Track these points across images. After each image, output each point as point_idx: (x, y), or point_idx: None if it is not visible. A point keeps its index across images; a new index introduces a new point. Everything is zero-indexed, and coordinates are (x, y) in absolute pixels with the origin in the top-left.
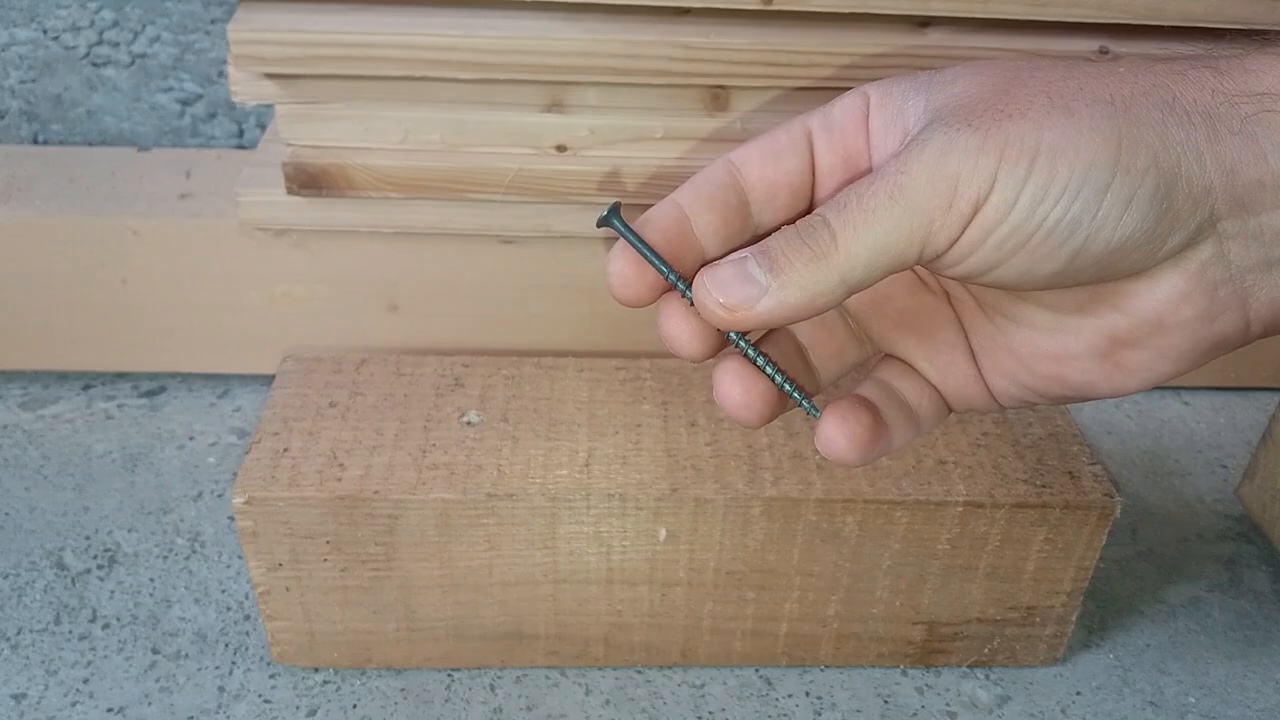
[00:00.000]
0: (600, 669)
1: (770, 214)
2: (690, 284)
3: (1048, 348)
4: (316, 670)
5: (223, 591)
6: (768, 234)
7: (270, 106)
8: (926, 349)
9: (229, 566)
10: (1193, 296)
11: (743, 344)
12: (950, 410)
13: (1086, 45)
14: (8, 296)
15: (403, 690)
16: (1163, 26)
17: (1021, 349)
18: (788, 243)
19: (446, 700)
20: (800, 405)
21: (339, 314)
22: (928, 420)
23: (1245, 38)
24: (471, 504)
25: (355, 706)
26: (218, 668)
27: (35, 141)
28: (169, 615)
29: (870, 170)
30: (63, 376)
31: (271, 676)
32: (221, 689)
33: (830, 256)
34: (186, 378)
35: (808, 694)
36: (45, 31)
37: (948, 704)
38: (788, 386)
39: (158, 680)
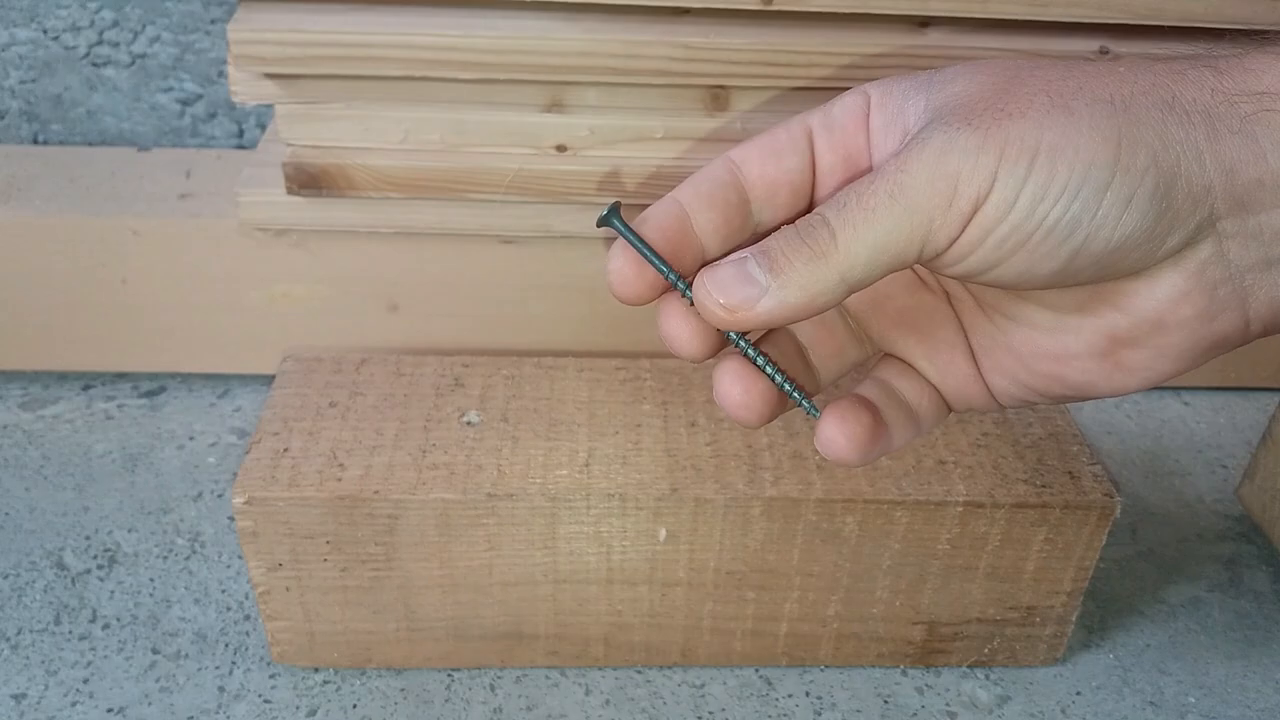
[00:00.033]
0: (600, 669)
1: (770, 213)
2: (690, 284)
3: (1047, 347)
4: (316, 670)
5: (223, 591)
6: (768, 233)
7: (270, 106)
8: (926, 348)
9: (229, 566)
10: (1192, 296)
11: (743, 344)
12: (950, 410)
13: (1086, 45)
14: (8, 296)
15: (403, 690)
16: (1163, 26)
17: (1021, 348)
18: (787, 242)
19: (446, 700)
20: (800, 405)
21: (339, 314)
22: (928, 420)
23: (1245, 37)
24: (471, 504)
25: (355, 706)
26: (218, 668)
27: (35, 141)
28: (169, 615)
29: (871, 169)
30: (63, 376)
31: (271, 676)
32: (221, 689)
33: (830, 255)
34: (186, 378)
35: (808, 694)
36: (45, 31)
37: (948, 704)
38: (788, 386)
39: (158, 680)
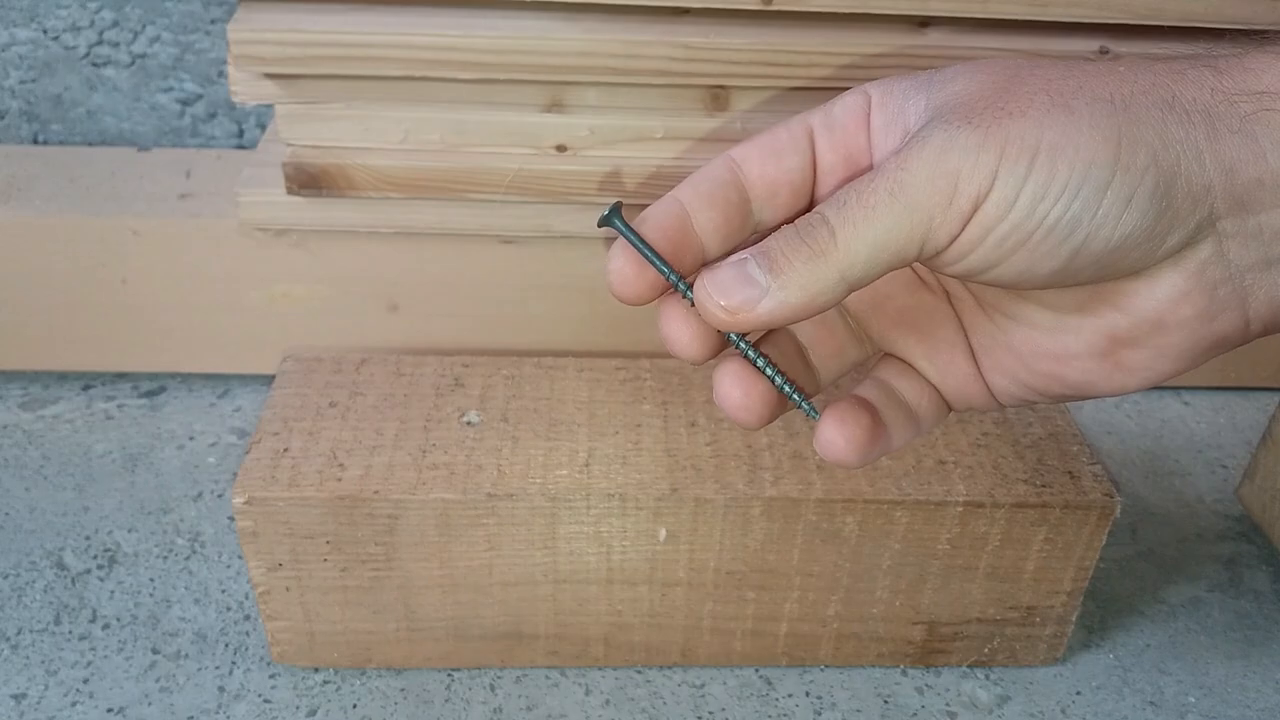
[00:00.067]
0: (600, 669)
1: (771, 212)
2: (691, 285)
3: (1047, 347)
4: (316, 670)
5: (223, 591)
6: (769, 232)
7: (270, 106)
8: (926, 348)
9: (229, 566)
10: (1192, 296)
11: (742, 345)
12: (950, 409)
13: (1086, 45)
14: (8, 296)
15: (403, 690)
16: (1163, 26)
17: (1021, 348)
18: (787, 242)
19: (446, 700)
20: (800, 407)
21: (339, 314)
22: (927, 420)
23: (1245, 37)
24: (471, 504)
25: (355, 706)
26: (218, 668)
27: (35, 141)
28: (169, 615)
29: (872, 169)
30: (63, 376)
31: (271, 676)
32: (221, 689)
33: (830, 254)
34: (186, 378)
35: (808, 694)
36: (45, 31)
37: (948, 704)
38: (787, 388)
39: (158, 680)
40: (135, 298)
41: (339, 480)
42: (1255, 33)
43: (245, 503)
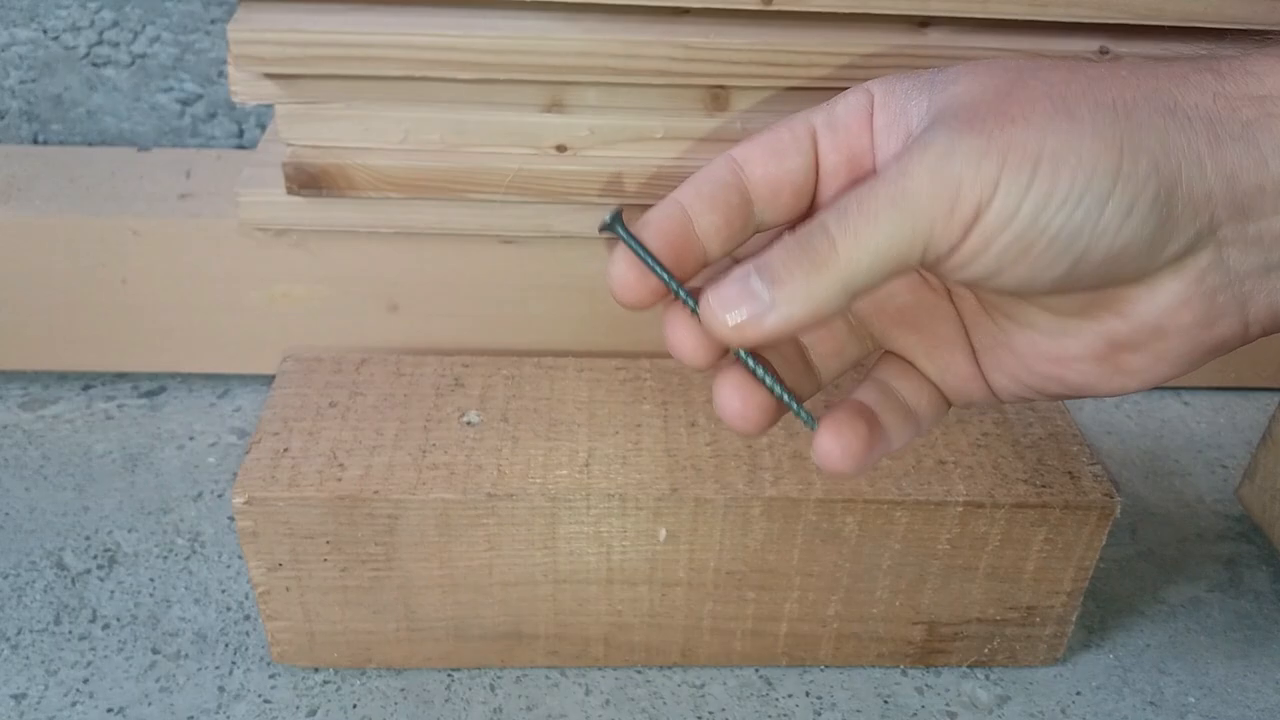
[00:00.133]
0: (600, 669)
1: (773, 213)
2: (692, 292)
3: (1047, 349)
4: (316, 670)
5: (223, 591)
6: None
7: (270, 106)
8: (927, 346)
9: (229, 566)
10: (1192, 302)
11: (742, 354)
12: (949, 405)
13: (1086, 45)
14: (8, 296)
15: (403, 690)
16: (1163, 26)
17: (1022, 349)
18: (789, 254)
19: (446, 700)
20: (798, 416)
21: (339, 314)
22: (927, 419)
23: (1246, 38)
24: (471, 504)
25: (355, 706)
26: (218, 668)
27: (35, 141)
28: (169, 615)
29: (875, 170)
30: (63, 376)
31: (271, 676)
32: (221, 689)
33: (831, 265)
34: (186, 378)
35: (808, 694)
36: (45, 31)
37: (948, 704)
38: (786, 397)
39: (158, 680)
40: (135, 298)
41: (339, 480)
42: (1256, 33)
43: (245, 503)
